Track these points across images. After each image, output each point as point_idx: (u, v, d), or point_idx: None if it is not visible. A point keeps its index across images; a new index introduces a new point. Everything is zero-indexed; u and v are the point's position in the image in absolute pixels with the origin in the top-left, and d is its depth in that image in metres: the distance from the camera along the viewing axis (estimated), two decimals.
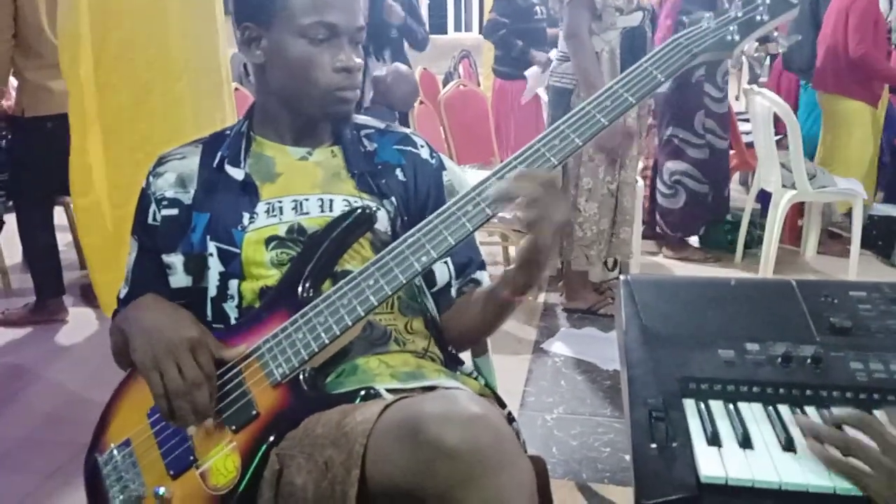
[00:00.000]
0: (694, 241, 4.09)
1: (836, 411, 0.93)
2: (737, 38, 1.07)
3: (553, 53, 3.49)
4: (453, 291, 1.24)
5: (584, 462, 2.15)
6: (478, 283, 1.26)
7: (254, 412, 1.02)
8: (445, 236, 1.01)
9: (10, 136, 3.25)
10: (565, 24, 2.97)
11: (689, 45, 1.07)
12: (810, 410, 0.97)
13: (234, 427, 1.02)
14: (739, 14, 1.08)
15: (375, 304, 1.02)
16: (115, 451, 1.09)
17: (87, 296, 3.43)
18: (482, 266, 1.28)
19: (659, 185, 3.95)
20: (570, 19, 2.92)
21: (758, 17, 1.08)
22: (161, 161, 1.23)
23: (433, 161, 1.28)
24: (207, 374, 1.03)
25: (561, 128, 1.04)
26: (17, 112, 3.13)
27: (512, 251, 3.56)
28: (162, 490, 1.02)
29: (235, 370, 1.05)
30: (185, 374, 1.01)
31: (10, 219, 3.42)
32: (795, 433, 0.92)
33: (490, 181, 1.02)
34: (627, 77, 1.06)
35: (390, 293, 1.02)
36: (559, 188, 1.02)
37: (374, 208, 1.16)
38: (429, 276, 1.21)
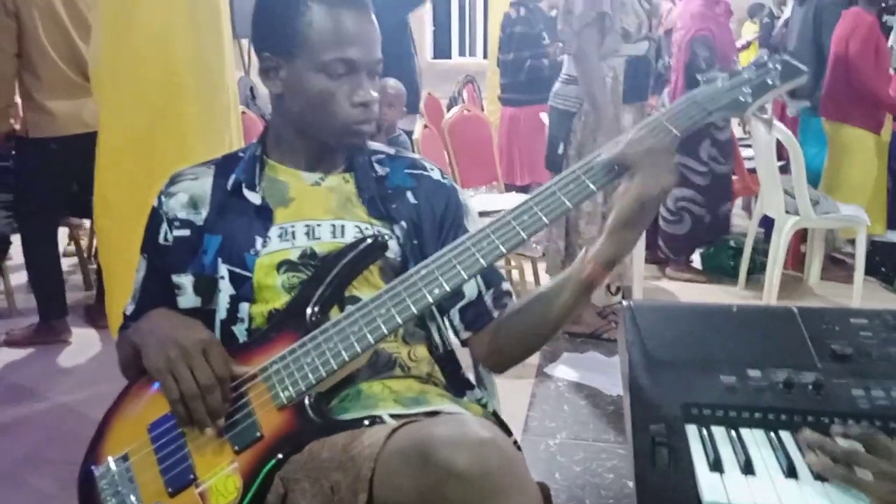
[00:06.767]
0: (697, 264, 4.10)
1: (841, 428, 0.93)
2: (749, 99, 1.09)
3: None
4: (488, 303, 1.22)
5: (588, 488, 2.14)
6: (509, 294, 1.24)
7: (258, 434, 1.02)
8: (459, 270, 1.02)
9: (15, 156, 3.29)
10: (577, 45, 2.98)
11: (705, 103, 1.09)
12: None
13: (236, 447, 1.02)
14: (752, 76, 1.10)
15: (385, 333, 1.02)
16: (113, 465, 1.07)
17: (91, 317, 3.44)
18: (506, 279, 1.27)
19: (662, 211, 3.97)
20: (582, 40, 2.94)
21: (769, 81, 1.10)
22: (173, 181, 1.24)
23: (447, 182, 1.29)
24: (221, 376, 1.03)
25: (573, 173, 1.05)
26: (21, 132, 3.18)
27: (515, 275, 3.57)
28: None
29: (241, 390, 1.05)
30: (199, 377, 1.02)
31: (17, 239, 3.44)
32: (797, 459, 0.93)
33: (506, 218, 1.04)
34: (643, 130, 1.08)
35: (401, 323, 1.02)
36: (673, 156, 1.04)
37: (387, 236, 1.16)
38: (456, 291, 1.19)
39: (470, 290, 1.22)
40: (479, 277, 1.21)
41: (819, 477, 0.89)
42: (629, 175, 1.04)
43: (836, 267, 4.07)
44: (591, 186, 1.04)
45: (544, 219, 1.03)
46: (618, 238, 1.06)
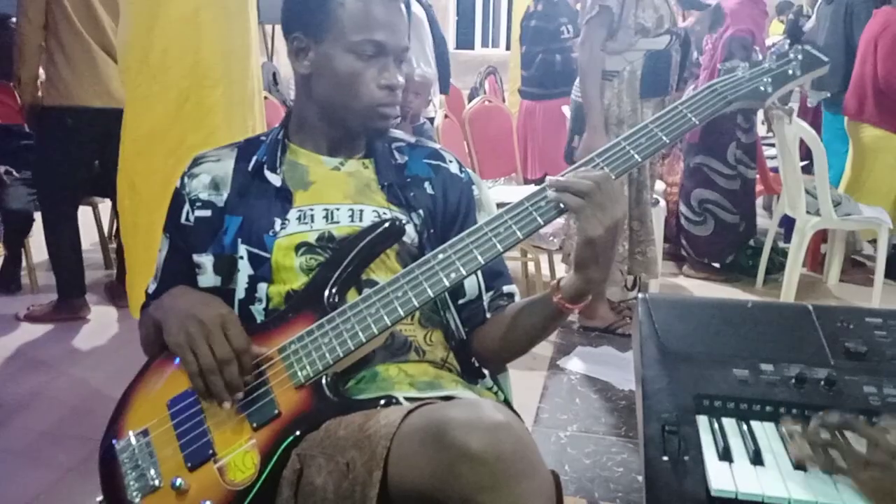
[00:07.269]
0: (715, 262, 4.08)
1: (818, 418, 0.94)
2: (770, 89, 1.10)
3: None
4: (485, 304, 1.25)
5: (597, 481, 2.15)
6: (510, 296, 1.27)
7: (276, 411, 1.04)
8: (476, 255, 1.04)
9: (34, 127, 3.29)
10: (580, 37, 3.03)
11: (725, 91, 1.10)
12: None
13: (255, 424, 1.04)
14: (773, 66, 1.11)
15: (402, 315, 1.04)
16: (133, 439, 1.09)
17: (111, 295, 3.49)
18: (511, 280, 1.29)
19: (685, 211, 3.95)
20: (585, 34, 3.00)
21: (790, 71, 1.11)
22: (196, 162, 1.26)
23: (463, 175, 1.30)
24: (239, 349, 1.05)
25: (597, 161, 1.07)
26: (39, 101, 3.17)
27: (531, 267, 3.57)
28: (179, 481, 1.03)
29: (260, 369, 1.07)
30: (217, 351, 1.04)
31: (39, 216, 3.49)
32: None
33: (523, 204, 1.05)
34: (662, 117, 1.09)
35: (418, 306, 1.04)
36: (613, 186, 1.04)
37: (404, 221, 1.18)
38: (457, 287, 1.22)
39: (471, 289, 1.24)
40: (482, 278, 1.24)
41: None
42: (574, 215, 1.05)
43: (856, 269, 4.03)
44: (540, 220, 1.05)
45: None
46: (582, 275, 1.07)
